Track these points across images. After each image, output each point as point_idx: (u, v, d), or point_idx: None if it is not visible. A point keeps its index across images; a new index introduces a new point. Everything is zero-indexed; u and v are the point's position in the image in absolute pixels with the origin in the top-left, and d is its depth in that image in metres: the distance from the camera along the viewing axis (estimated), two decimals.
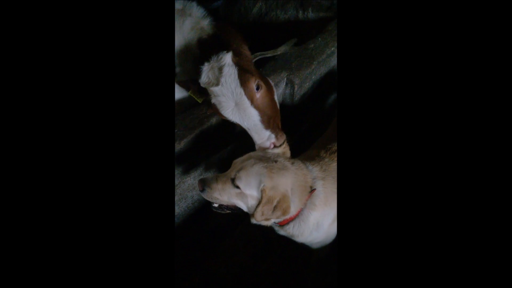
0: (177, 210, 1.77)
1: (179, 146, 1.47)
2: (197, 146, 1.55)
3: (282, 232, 1.30)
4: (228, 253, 1.83)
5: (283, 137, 1.36)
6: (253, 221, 1.17)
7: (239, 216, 1.90)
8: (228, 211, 1.25)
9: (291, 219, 1.22)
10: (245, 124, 1.34)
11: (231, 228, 1.93)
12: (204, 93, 1.49)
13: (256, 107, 1.32)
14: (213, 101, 1.36)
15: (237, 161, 1.21)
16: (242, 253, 1.82)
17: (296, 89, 1.77)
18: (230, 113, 1.34)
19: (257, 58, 1.56)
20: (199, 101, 1.54)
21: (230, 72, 1.29)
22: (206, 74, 1.31)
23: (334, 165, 1.29)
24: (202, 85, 1.35)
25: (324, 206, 1.23)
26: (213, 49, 1.36)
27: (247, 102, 1.31)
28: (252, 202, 1.15)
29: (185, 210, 1.83)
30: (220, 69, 1.29)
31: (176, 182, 1.60)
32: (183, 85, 1.55)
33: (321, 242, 1.36)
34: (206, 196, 1.20)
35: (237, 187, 1.14)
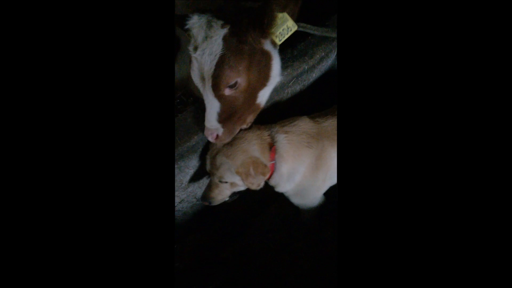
0: None
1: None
2: None
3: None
4: (263, 229, 1.82)
5: (231, 135, 1.24)
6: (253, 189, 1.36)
7: (273, 194, 1.85)
8: (237, 195, 1.46)
9: (271, 174, 1.36)
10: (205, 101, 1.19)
11: (266, 205, 1.89)
12: None
13: (221, 100, 1.13)
14: (189, 52, 1.14)
15: (208, 167, 1.34)
16: (277, 231, 1.79)
17: None
18: (197, 81, 1.16)
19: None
20: None
21: (212, 51, 1.06)
22: (191, 25, 1.09)
23: (309, 124, 1.37)
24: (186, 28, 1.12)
25: (294, 158, 1.33)
26: None
27: (211, 92, 1.12)
28: (242, 181, 1.32)
29: None
30: (206, 38, 1.07)
31: None
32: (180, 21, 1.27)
33: (294, 192, 1.45)
34: (215, 203, 1.40)
35: (226, 181, 1.33)
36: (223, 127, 1.19)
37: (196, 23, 1.09)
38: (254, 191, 1.40)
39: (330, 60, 1.54)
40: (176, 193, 1.49)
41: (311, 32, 1.30)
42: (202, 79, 1.13)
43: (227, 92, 1.12)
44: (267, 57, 1.17)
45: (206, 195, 1.38)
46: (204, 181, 1.61)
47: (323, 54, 1.43)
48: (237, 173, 1.27)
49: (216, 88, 1.11)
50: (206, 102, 1.17)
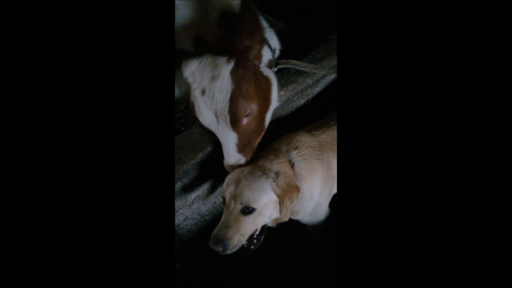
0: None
1: None
2: None
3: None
4: (266, 245, 1.79)
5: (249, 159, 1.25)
6: (283, 220, 1.18)
7: None
8: (259, 242, 1.19)
9: None
10: (220, 139, 1.18)
11: None
12: None
13: (238, 131, 1.14)
14: (192, 99, 1.14)
15: (226, 196, 1.13)
16: (280, 247, 1.77)
17: None
18: (207, 123, 1.15)
19: (281, 67, 1.33)
20: None
21: (223, 88, 1.05)
22: (191, 72, 1.07)
23: (309, 138, 1.32)
24: (184, 77, 1.11)
25: (311, 174, 1.25)
26: (229, 35, 1.09)
27: (228, 127, 1.11)
28: (274, 207, 1.13)
29: None
30: (213, 79, 1.05)
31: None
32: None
33: (311, 213, 1.37)
34: (231, 248, 1.09)
35: (252, 210, 1.09)
36: (244, 155, 1.19)
37: (196, 68, 1.07)
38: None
39: (334, 74, 1.56)
40: (181, 211, 1.46)
41: (301, 69, 1.35)
42: (216, 118, 1.11)
43: (244, 121, 1.12)
44: (267, 81, 1.20)
45: (219, 236, 1.07)
46: (210, 198, 1.58)
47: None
48: (277, 187, 1.09)
49: (236, 121, 1.10)
50: (222, 138, 1.15)
